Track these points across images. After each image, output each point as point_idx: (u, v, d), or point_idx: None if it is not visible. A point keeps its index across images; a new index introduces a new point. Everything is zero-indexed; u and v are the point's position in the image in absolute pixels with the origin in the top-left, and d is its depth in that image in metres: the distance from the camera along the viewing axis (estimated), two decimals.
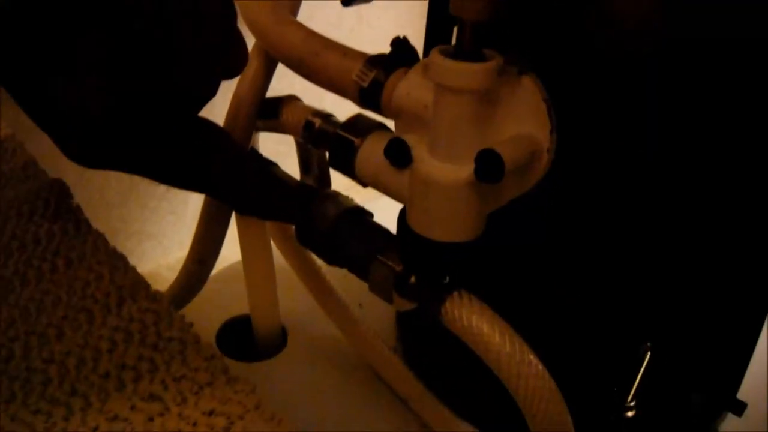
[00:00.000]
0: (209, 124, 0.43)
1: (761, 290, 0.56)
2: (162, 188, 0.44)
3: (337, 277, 0.71)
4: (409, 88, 0.45)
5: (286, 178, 0.58)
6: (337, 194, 0.55)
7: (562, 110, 0.43)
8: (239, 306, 0.75)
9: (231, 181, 0.46)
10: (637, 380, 0.59)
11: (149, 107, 0.37)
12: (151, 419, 0.34)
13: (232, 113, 0.56)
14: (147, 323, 0.39)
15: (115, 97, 0.35)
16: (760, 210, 0.51)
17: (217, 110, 0.48)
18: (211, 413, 0.34)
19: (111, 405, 0.34)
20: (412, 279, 0.48)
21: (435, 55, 0.41)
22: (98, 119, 0.35)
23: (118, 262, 0.43)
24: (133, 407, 0.34)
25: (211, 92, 0.40)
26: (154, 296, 0.41)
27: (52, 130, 0.36)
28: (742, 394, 0.61)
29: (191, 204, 0.77)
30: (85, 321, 0.39)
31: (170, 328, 0.38)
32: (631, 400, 0.61)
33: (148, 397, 0.35)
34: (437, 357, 0.71)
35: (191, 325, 0.39)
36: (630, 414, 0.61)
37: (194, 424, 0.34)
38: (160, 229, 0.98)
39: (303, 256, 0.70)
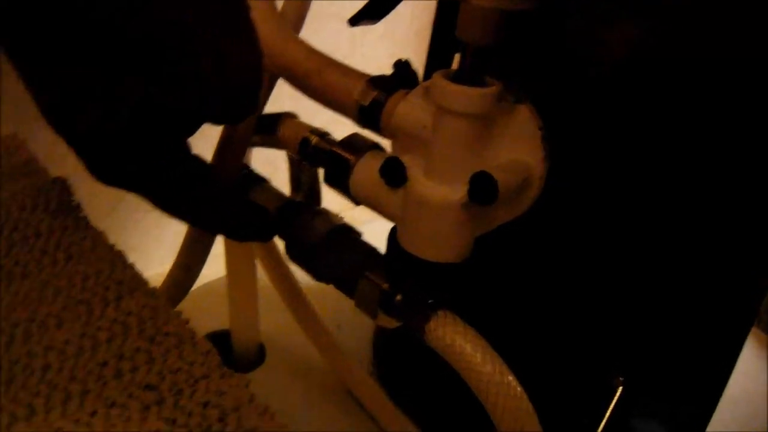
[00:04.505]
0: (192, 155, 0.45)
1: (733, 333, 0.58)
2: (148, 204, 0.45)
3: (318, 298, 0.72)
4: (408, 109, 0.47)
5: (275, 195, 0.60)
6: (327, 212, 0.56)
7: (554, 135, 0.45)
8: (218, 321, 0.76)
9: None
10: (608, 413, 0.61)
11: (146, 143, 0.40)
12: (147, 407, 0.35)
13: (229, 128, 0.57)
14: (144, 318, 0.40)
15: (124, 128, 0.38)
16: (734, 247, 0.52)
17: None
18: (206, 405, 0.35)
19: (108, 392, 0.35)
20: (398, 297, 0.49)
21: (437, 78, 0.43)
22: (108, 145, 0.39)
23: (117, 259, 0.44)
24: (130, 395, 0.35)
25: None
26: (152, 293, 0.42)
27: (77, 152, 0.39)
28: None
29: (175, 221, 0.77)
30: (85, 312, 0.40)
31: (167, 324, 0.39)
32: None
33: (145, 386, 0.36)
34: (412, 380, 0.72)
35: (187, 321, 0.40)
36: None
37: (189, 415, 0.35)
38: (143, 243, 0.99)
39: (286, 275, 0.71)
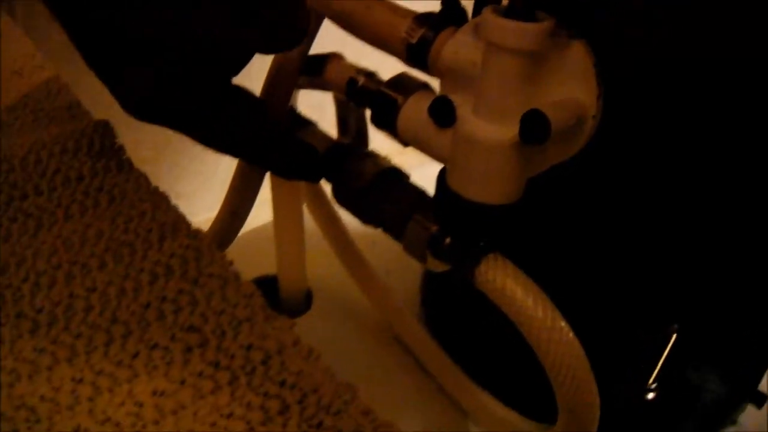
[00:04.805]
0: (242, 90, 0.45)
1: None
2: (196, 149, 0.44)
3: (366, 242, 0.71)
4: (457, 46, 0.45)
5: (323, 137, 0.59)
6: (375, 154, 0.55)
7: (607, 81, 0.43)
8: (265, 267, 0.76)
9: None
10: (661, 362, 0.59)
11: (188, 85, 0.40)
12: (189, 349, 0.34)
13: (276, 69, 0.56)
14: (188, 259, 0.39)
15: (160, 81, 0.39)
16: None
17: (262, 64, 0.49)
18: (249, 347, 0.35)
19: (151, 334, 0.35)
20: (447, 240, 0.48)
21: (488, 13, 0.41)
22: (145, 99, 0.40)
23: (160, 201, 0.43)
24: (172, 337, 0.35)
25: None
26: (195, 234, 0.41)
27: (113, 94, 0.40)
28: None
29: (222, 166, 0.77)
30: (127, 254, 0.39)
31: (211, 265, 0.39)
32: (653, 382, 0.61)
33: (188, 328, 0.35)
34: (461, 325, 0.71)
35: (231, 263, 0.39)
36: (651, 396, 0.61)
37: (232, 357, 0.34)
38: (190, 189, 0.99)
39: (333, 220, 0.71)
